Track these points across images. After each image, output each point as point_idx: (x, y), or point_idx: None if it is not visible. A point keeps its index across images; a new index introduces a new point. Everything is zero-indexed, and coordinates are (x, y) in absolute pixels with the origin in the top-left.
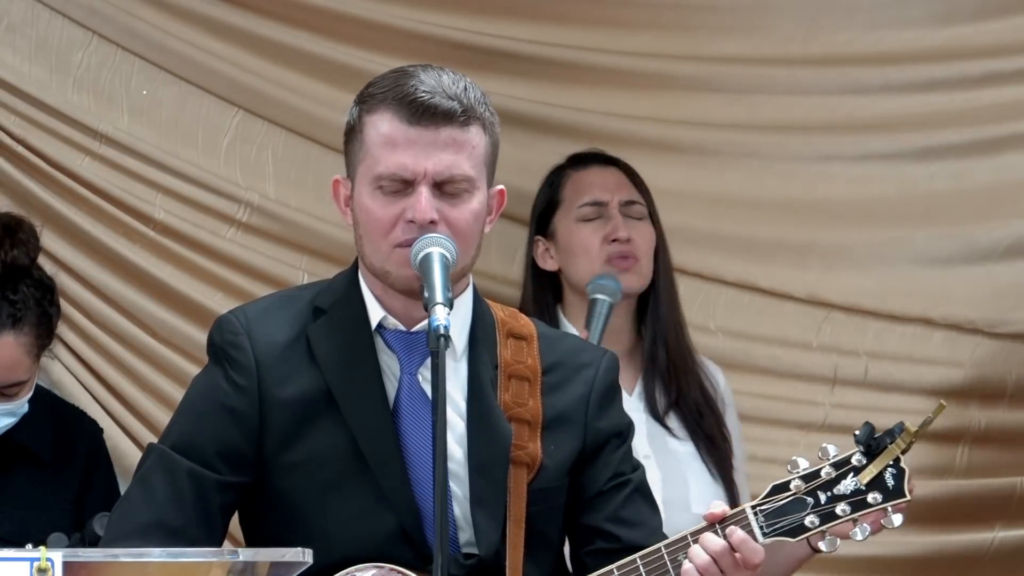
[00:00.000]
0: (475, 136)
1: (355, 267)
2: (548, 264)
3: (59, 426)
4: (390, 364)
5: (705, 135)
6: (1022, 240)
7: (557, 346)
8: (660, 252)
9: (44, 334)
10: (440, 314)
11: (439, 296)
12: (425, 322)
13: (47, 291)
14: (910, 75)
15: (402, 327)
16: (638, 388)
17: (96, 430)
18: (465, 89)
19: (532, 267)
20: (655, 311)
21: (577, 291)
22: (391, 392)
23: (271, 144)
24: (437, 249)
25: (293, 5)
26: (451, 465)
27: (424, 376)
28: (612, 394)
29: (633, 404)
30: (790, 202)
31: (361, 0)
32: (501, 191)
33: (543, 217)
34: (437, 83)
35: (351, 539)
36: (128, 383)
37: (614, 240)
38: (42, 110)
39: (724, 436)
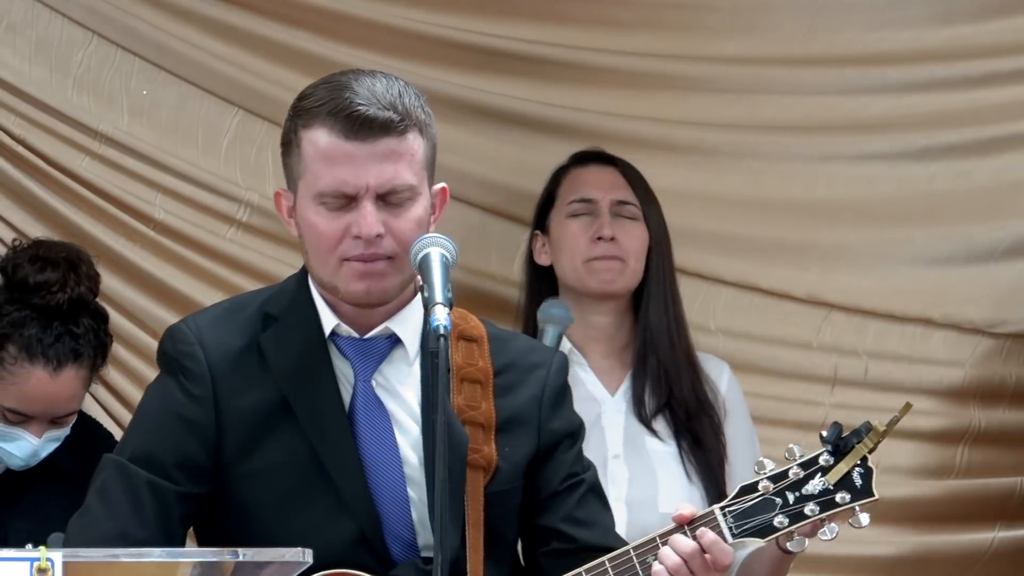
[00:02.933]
0: (413, 143)
1: (304, 273)
2: (543, 259)
3: (80, 440)
4: (344, 371)
5: (705, 135)
6: (1022, 240)
7: (508, 347)
8: (654, 253)
9: (100, 364)
10: (440, 314)
11: (439, 296)
12: (379, 328)
13: (103, 320)
14: (910, 75)
15: (355, 334)
16: (624, 387)
17: (111, 443)
18: (400, 95)
19: (530, 263)
20: (646, 314)
21: (567, 288)
22: (346, 399)
23: (271, 144)
24: (437, 249)
25: (293, 5)
26: (407, 470)
27: (378, 382)
28: (564, 394)
29: (615, 404)
30: (790, 202)
31: (361, 0)
32: (444, 189)
33: (541, 212)
34: (371, 93)
35: (311, 547)
36: (128, 383)
37: (599, 239)
38: (42, 110)
39: (717, 439)
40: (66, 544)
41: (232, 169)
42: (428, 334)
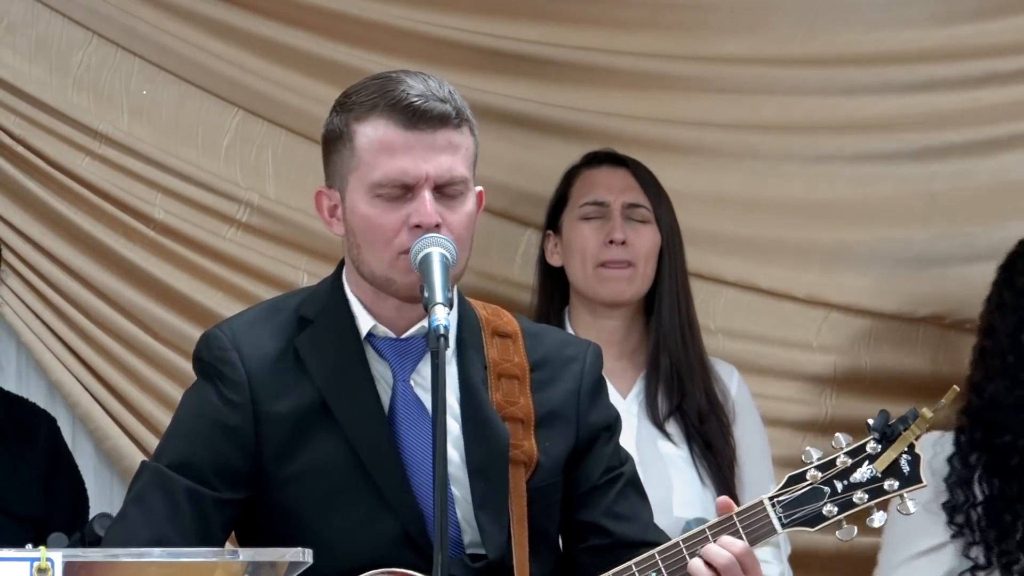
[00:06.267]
0: (466, 138)
1: (338, 274)
2: (554, 260)
3: (11, 402)
4: (382, 372)
5: (705, 135)
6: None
7: (542, 342)
8: (665, 256)
9: None
10: (440, 314)
11: (439, 296)
12: (415, 327)
13: None
14: (910, 75)
15: (392, 334)
16: (636, 390)
17: (51, 418)
18: (451, 92)
19: (542, 263)
20: (658, 316)
21: (577, 291)
22: (385, 400)
23: (271, 144)
24: (437, 249)
25: (293, 5)
26: (449, 468)
27: (416, 382)
28: (600, 387)
29: (627, 406)
30: (790, 202)
31: (361, 0)
32: (480, 192)
33: (554, 212)
34: (425, 87)
35: (355, 546)
36: (128, 383)
37: (611, 242)
38: (42, 110)
39: (727, 442)
40: (104, 548)
41: (232, 169)
42: (430, 333)
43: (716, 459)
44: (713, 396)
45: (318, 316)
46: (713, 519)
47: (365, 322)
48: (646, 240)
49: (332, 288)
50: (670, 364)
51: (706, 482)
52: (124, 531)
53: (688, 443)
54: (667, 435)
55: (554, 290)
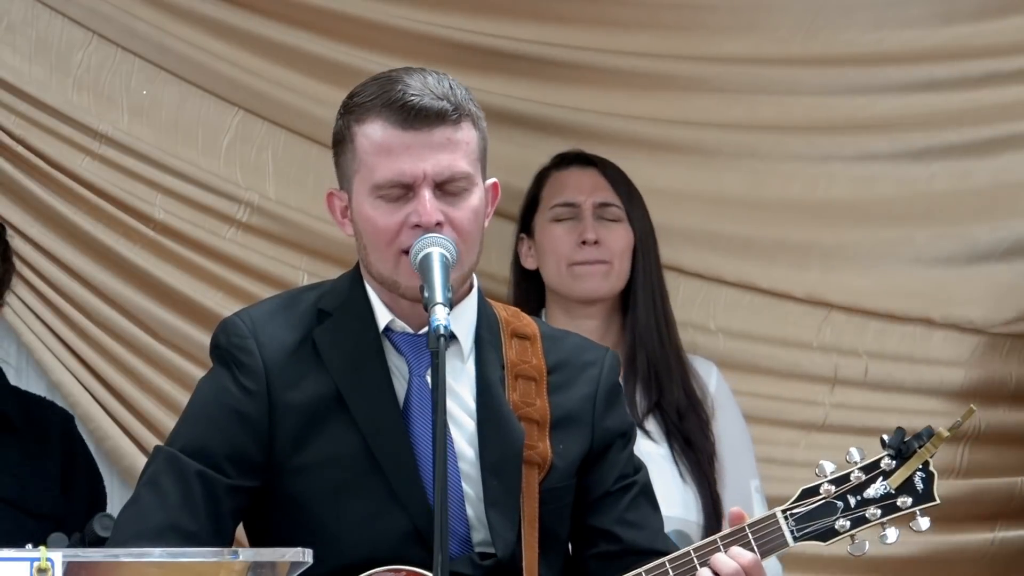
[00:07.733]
0: (467, 133)
1: (358, 269)
2: (529, 263)
3: (26, 400)
4: (399, 366)
5: (705, 135)
6: (1022, 240)
7: (560, 345)
8: (639, 254)
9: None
10: (440, 314)
11: (439, 296)
12: None
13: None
14: (910, 75)
15: (409, 329)
16: None
17: (68, 415)
18: (451, 87)
19: (516, 266)
20: (634, 314)
21: (552, 292)
22: (400, 394)
23: (271, 144)
24: (437, 249)
25: (293, 5)
26: (463, 465)
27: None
28: (617, 393)
29: None
30: (790, 202)
31: (361, 0)
32: (495, 184)
33: (526, 215)
34: (424, 85)
35: (364, 540)
36: (128, 383)
37: (583, 242)
38: (42, 110)
39: (706, 437)
40: (115, 534)
41: (232, 169)
42: (430, 333)
43: (696, 455)
44: (692, 392)
45: (337, 309)
46: (693, 521)
47: (383, 316)
48: (619, 239)
49: (352, 282)
50: (647, 361)
51: (687, 479)
52: (137, 515)
53: (668, 440)
54: (647, 432)
55: (530, 293)
